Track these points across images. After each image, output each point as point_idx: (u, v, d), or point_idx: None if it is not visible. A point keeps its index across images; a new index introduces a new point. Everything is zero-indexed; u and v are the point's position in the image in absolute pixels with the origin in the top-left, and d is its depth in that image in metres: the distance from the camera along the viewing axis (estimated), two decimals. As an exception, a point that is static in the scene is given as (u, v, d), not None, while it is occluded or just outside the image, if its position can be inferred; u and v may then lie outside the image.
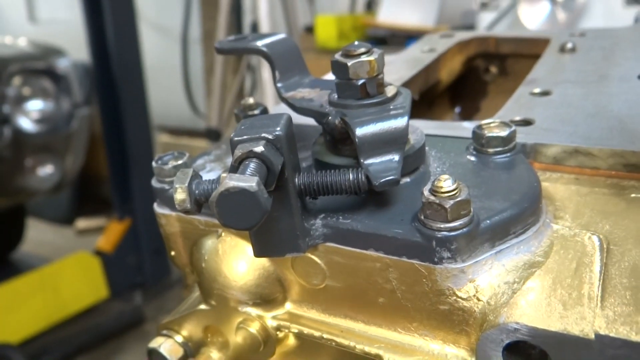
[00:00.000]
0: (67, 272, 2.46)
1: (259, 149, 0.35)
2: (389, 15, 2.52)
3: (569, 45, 0.67)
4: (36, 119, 2.37)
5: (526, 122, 0.51)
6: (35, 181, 2.41)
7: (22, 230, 2.91)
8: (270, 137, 0.36)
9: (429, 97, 0.76)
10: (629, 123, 0.48)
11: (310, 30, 2.67)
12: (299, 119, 0.53)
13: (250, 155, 0.35)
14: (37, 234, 3.12)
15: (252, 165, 0.34)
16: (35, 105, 2.38)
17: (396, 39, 2.39)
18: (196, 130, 3.52)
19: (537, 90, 0.57)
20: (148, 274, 2.66)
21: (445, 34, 0.83)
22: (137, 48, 2.46)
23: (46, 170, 2.44)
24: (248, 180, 0.31)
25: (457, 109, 0.86)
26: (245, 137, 0.36)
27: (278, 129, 0.36)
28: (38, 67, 2.41)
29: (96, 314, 2.54)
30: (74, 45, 2.70)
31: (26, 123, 2.33)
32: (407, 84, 0.66)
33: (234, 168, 0.35)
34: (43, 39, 2.69)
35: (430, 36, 0.85)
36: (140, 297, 2.66)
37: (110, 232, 2.64)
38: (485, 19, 2.19)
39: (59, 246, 3.00)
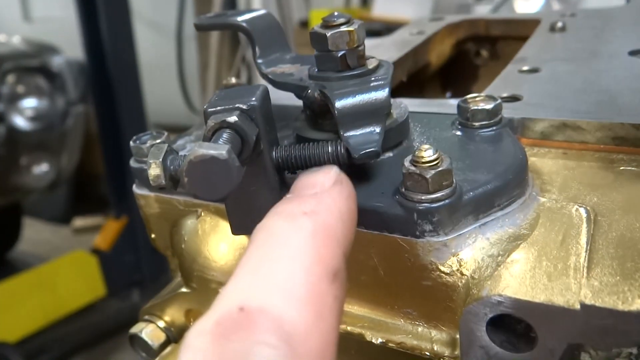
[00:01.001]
0: (64, 270, 2.45)
1: (233, 119, 0.34)
2: (384, 9, 2.51)
3: (559, 25, 0.66)
4: (31, 116, 2.35)
5: (514, 98, 0.49)
6: (30, 179, 2.40)
7: (18, 229, 2.90)
8: (244, 107, 0.35)
9: (419, 81, 0.75)
10: (617, 97, 0.47)
11: (305, 25, 2.66)
12: (283, 99, 0.52)
13: (224, 125, 0.34)
14: (34, 233, 3.11)
15: (225, 135, 0.33)
16: (30, 103, 2.37)
17: (391, 32, 2.37)
18: (192, 127, 3.50)
19: (525, 67, 0.56)
20: (145, 272, 2.65)
21: (435, 17, 0.82)
22: (132, 45, 2.44)
23: (41, 168, 2.43)
24: (218, 148, 0.30)
25: (448, 94, 0.85)
26: (218, 107, 0.35)
27: (253, 99, 0.35)
28: (32, 65, 2.40)
29: (94, 312, 2.53)
30: (69, 44, 2.68)
31: (21, 121, 2.32)
32: (395, 65, 0.65)
33: (207, 139, 0.34)
34: (37, 37, 2.67)
35: (419, 20, 0.84)
36: (137, 295, 2.65)
37: (107, 230, 2.63)
38: (480, 11, 2.19)
39: (55, 245, 2.99)
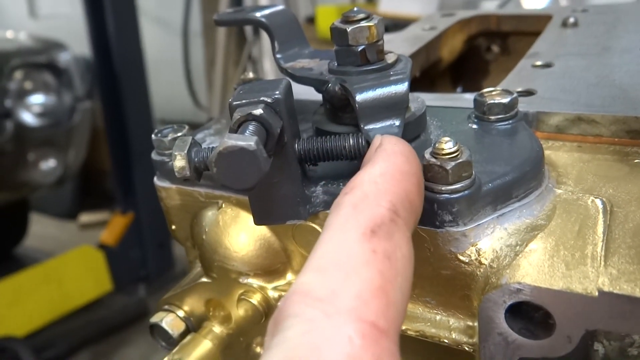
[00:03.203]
0: (71, 266, 2.47)
1: (258, 111, 0.35)
2: (391, 4, 2.51)
3: (571, 20, 0.67)
4: (38, 112, 2.37)
5: (528, 93, 0.50)
6: (37, 175, 2.41)
7: (25, 225, 2.91)
8: (269, 100, 0.36)
9: (430, 76, 0.76)
10: (630, 91, 0.47)
11: (311, 20, 2.67)
12: (300, 94, 0.53)
13: (249, 118, 0.35)
14: (41, 228, 3.13)
15: (251, 127, 0.34)
16: (37, 99, 2.38)
17: (398, 28, 2.37)
18: (198, 123, 3.50)
19: (539, 62, 0.57)
20: (152, 267, 2.66)
21: (447, 13, 0.83)
22: (138, 42, 2.45)
23: (49, 164, 2.44)
24: (247, 140, 0.31)
25: (459, 89, 0.86)
26: (244, 101, 0.36)
27: (277, 92, 0.36)
28: (39, 61, 2.41)
29: (100, 307, 2.55)
30: (76, 40, 2.69)
31: (28, 117, 2.34)
32: (408, 61, 0.65)
33: (233, 131, 0.35)
34: (44, 33, 2.69)
35: (431, 15, 0.84)
36: (144, 290, 2.66)
37: (113, 225, 2.64)
38: (487, 7, 2.19)
39: (62, 240, 3.00)
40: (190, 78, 3.15)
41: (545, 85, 0.51)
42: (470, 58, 0.83)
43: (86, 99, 2.55)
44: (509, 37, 0.80)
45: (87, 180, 2.94)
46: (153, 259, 2.65)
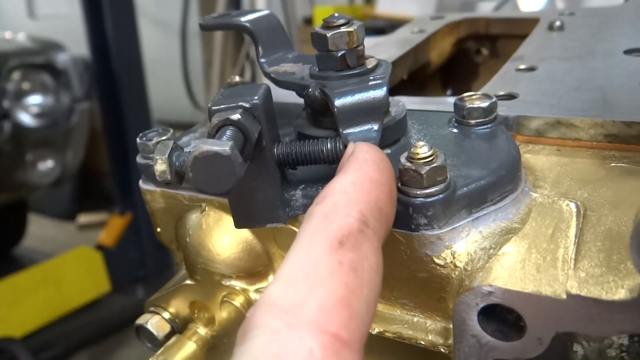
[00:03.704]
0: (69, 266, 2.47)
1: (236, 116, 0.35)
2: (388, 6, 2.52)
3: (557, 24, 0.67)
4: (36, 113, 2.38)
5: (510, 96, 0.51)
6: (35, 176, 2.42)
7: (23, 226, 2.92)
8: (247, 105, 0.36)
9: (420, 79, 0.76)
10: (611, 95, 0.48)
11: (309, 22, 2.67)
12: (284, 98, 0.53)
13: (227, 122, 0.35)
14: (39, 229, 3.14)
15: (229, 132, 0.35)
16: (35, 100, 2.39)
17: (395, 30, 2.38)
18: (196, 124, 3.51)
19: (522, 66, 0.57)
20: (150, 268, 2.67)
21: (436, 16, 0.83)
22: (136, 42, 2.46)
23: (46, 164, 2.45)
24: (222, 145, 0.32)
25: (448, 92, 0.86)
26: (222, 106, 0.36)
27: (256, 97, 0.37)
28: (37, 62, 2.42)
29: (98, 308, 2.55)
30: (74, 41, 2.70)
31: (26, 118, 2.34)
32: (395, 64, 0.66)
33: (211, 136, 0.35)
34: (43, 34, 2.69)
35: (420, 18, 0.85)
36: (142, 291, 2.67)
37: (111, 226, 2.65)
38: (483, 9, 2.19)
39: (60, 241, 3.01)
40: (188, 79, 3.16)
41: (528, 89, 0.52)
42: (460, 61, 0.84)
43: (84, 99, 2.56)
44: (498, 40, 0.81)
45: (86, 181, 2.94)
46: (151, 260, 2.66)
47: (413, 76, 0.73)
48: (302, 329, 0.24)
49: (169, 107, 3.66)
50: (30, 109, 2.37)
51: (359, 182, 0.31)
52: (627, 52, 0.57)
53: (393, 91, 0.55)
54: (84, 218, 3.20)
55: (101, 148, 2.63)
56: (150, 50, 2.86)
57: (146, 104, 2.54)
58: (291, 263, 0.28)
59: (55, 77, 2.46)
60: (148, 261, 2.66)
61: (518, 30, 0.77)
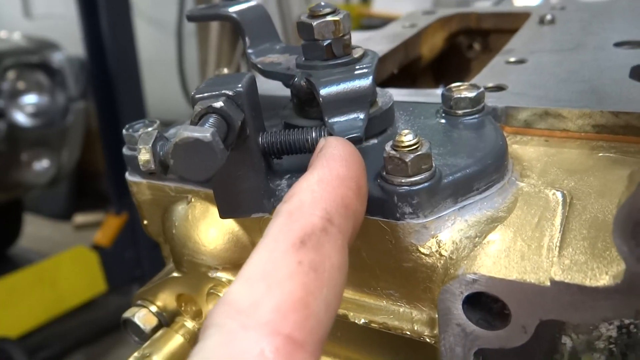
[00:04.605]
0: (65, 266, 2.46)
1: (219, 104, 0.35)
2: (384, 5, 2.51)
3: (548, 17, 0.67)
4: (31, 113, 2.37)
5: (499, 88, 0.51)
6: (31, 175, 2.41)
7: (19, 226, 2.91)
8: (230, 93, 0.36)
9: (411, 74, 0.76)
10: (599, 86, 0.48)
11: (304, 21, 2.66)
12: (276, 90, 0.53)
13: (210, 110, 0.35)
14: (35, 229, 3.13)
15: (211, 120, 0.34)
16: (30, 100, 2.38)
17: (390, 28, 2.38)
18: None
19: (512, 59, 0.57)
20: (146, 268, 2.65)
21: (428, 11, 0.83)
22: (132, 42, 2.45)
23: (42, 164, 2.44)
24: (203, 131, 0.31)
25: (441, 86, 0.86)
26: (205, 94, 0.36)
27: (239, 85, 0.36)
28: (32, 61, 2.41)
29: (94, 308, 2.54)
30: (69, 40, 2.69)
31: (21, 117, 2.34)
32: (386, 58, 0.66)
33: (193, 123, 0.35)
34: (38, 33, 2.69)
35: (412, 13, 0.85)
36: (138, 290, 2.66)
37: (107, 226, 2.64)
38: (481, 5, 2.19)
39: (56, 241, 3.00)
40: (184, 78, 3.15)
41: (517, 80, 0.51)
42: (452, 56, 0.84)
43: (80, 99, 2.55)
44: (490, 34, 0.80)
45: (81, 180, 2.93)
46: (147, 260, 2.65)
47: (405, 71, 0.73)
48: (255, 330, 0.24)
49: (164, 107, 3.65)
50: (26, 109, 2.36)
51: (325, 179, 0.31)
52: (617, 44, 0.57)
53: (385, 85, 0.54)
54: (79, 218, 3.19)
55: (97, 148, 2.62)
56: (146, 50, 2.85)
57: (142, 103, 2.53)
58: (252, 262, 0.28)
59: (50, 76, 2.46)
60: (144, 261, 2.64)
61: (509, 24, 0.77)
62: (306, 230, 0.28)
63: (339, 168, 0.32)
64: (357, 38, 0.74)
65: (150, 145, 0.36)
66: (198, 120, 0.35)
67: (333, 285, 0.28)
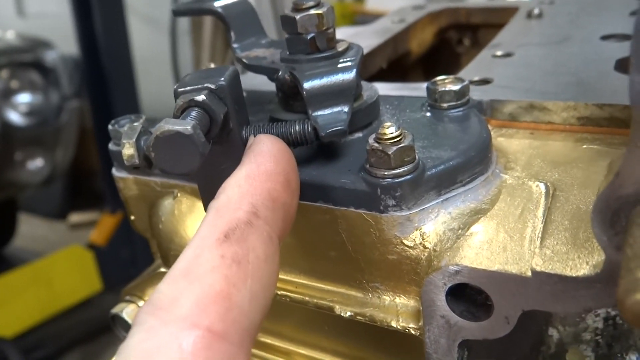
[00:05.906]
0: (60, 265, 2.46)
1: (201, 97, 0.35)
2: (378, 2, 2.51)
3: (536, 12, 0.67)
4: (25, 112, 2.36)
5: (485, 82, 0.51)
6: (25, 175, 2.41)
7: (14, 225, 2.90)
8: (212, 86, 0.36)
9: (401, 69, 0.76)
10: (584, 79, 0.48)
11: (298, 19, 2.66)
12: (262, 85, 0.53)
13: (192, 104, 0.35)
14: (30, 228, 3.12)
15: (194, 113, 0.34)
16: (24, 99, 2.37)
17: (384, 25, 2.38)
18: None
19: (499, 52, 0.57)
20: (141, 267, 2.61)
21: (418, 6, 0.83)
22: (126, 40, 2.45)
23: (36, 163, 2.43)
24: (183, 124, 0.31)
25: (429, 82, 0.86)
26: (188, 87, 0.36)
27: (222, 79, 0.36)
28: (26, 60, 2.41)
29: (90, 307, 2.54)
30: (63, 39, 2.68)
31: (15, 116, 2.33)
32: (374, 52, 0.66)
33: (176, 117, 0.35)
34: (31, 32, 2.68)
35: (401, 8, 0.85)
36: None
37: (102, 225, 2.63)
38: (472, 2, 2.19)
39: (52, 240, 2.99)
40: (178, 76, 3.14)
41: (503, 74, 0.51)
42: (442, 51, 0.84)
43: (74, 98, 2.54)
44: (479, 29, 0.81)
45: (76, 179, 2.93)
46: (143, 259, 2.64)
47: (394, 66, 0.73)
48: (174, 325, 0.25)
49: (159, 105, 3.64)
50: (19, 108, 2.35)
51: (252, 175, 0.32)
52: (604, 37, 0.57)
53: (374, 80, 0.54)
54: (75, 217, 3.18)
55: (91, 146, 2.62)
56: (140, 48, 2.84)
57: (136, 101, 2.52)
58: (179, 260, 0.28)
59: (44, 75, 2.45)
60: (139, 260, 2.64)
61: (499, 19, 0.77)
62: (231, 224, 0.29)
63: (267, 163, 0.33)
64: (346, 33, 0.74)
65: (134, 139, 0.36)
66: (180, 113, 0.35)
67: (259, 277, 0.28)
